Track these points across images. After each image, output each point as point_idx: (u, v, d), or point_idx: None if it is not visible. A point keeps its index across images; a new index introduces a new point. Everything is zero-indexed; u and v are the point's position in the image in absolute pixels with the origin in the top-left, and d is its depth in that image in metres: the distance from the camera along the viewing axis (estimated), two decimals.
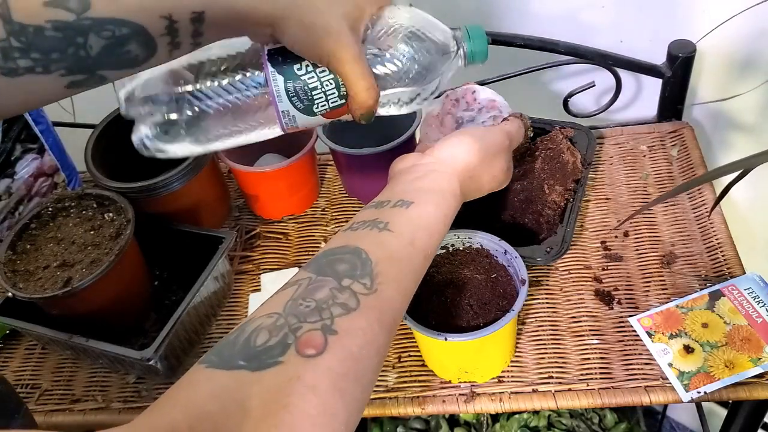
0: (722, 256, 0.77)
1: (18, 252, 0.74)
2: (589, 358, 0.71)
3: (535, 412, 1.14)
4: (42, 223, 0.76)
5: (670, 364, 0.68)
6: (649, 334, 0.70)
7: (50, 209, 0.77)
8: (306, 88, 0.51)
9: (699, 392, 0.65)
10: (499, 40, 0.86)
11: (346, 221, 0.88)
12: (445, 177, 0.57)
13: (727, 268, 0.76)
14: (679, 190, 0.51)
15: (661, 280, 0.76)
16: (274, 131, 0.54)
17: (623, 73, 0.89)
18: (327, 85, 0.52)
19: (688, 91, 0.90)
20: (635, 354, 0.70)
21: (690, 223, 0.81)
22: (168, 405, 0.36)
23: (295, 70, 0.51)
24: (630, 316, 0.73)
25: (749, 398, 0.67)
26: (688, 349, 0.68)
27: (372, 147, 0.79)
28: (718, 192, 0.64)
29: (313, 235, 0.88)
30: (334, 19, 0.48)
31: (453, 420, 1.16)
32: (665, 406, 1.24)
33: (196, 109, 0.51)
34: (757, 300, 0.71)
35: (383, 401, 0.71)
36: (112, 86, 1.04)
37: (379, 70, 0.52)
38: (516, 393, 0.69)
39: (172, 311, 0.73)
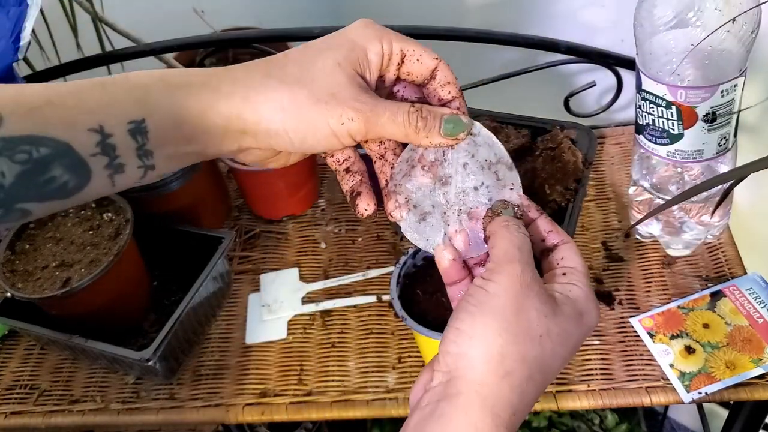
0: (723, 256, 0.77)
1: (17, 252, 0.74)
2: (590, 359, 0.71)
3: (536, 413, 1.13)
4: (41, 223, 0.76)
5: (671, 365, 0.68)
6: (650, 335, 0.70)
7: None
8: None
9: (700, 393, 0.65)
10: (499, 39, 0.86)
11: (346, 221, 0.88)
12: (459, 407, 0.38)
13: (728, 269, 0.76)
14: (685, 195, 0.51)
15: (662, 281, 0.76)
16: None
17: (624, 73, 0.88)
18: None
19: None
20: (636, 354, 0.70)
21: None
22: None
23: None
24: (631, 316, 0.73)
25: (750, 399, 0.66)
26: (689, 350, 0.68)
27: None
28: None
29: (313, 236, 0.88)
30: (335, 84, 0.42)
31: None
32: (666, 407, 1.24)
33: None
34: (758, 300, 0.70)
35: (383, 402, 0.70)
36: None
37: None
38: None
39: (171, 311, 0.72)
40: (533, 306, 0.40)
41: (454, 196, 0.47)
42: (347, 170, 0.49)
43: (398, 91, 0.48)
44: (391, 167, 0.48)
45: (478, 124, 0.47)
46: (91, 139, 0.36)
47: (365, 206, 0.47)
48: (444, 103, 0.47)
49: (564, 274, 0.44)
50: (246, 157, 0.45)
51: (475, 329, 0.39)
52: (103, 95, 0.38)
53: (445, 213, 0.48)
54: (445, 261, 0.47)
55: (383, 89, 0.47)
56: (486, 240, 0.46)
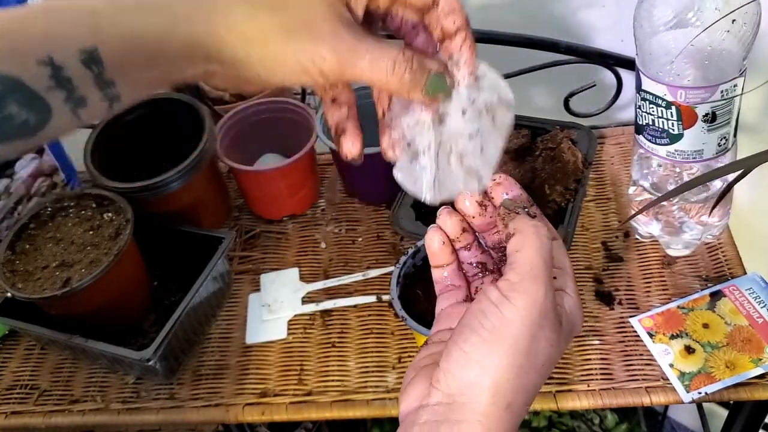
0: (723, 256, 0.77)
1: (17, 252, 0.74)
2: (589, 359, 0.71)
3: (536, 413, 1.13)
4: (41, 223, 0.76)
5: (671, 365, 0.68)
6: (650, 335, 0.70)
7: (49, 209, 0.76)
8: None
9: (700, 393, 0.65)
10: (499, 39, 0.86)
11: (346, 221, 0.88)
12: None
13: (728, 269, 0.76)
14: (680, 189, 0.51)
15: (661, 281, 0.76)
16: None
17: (624, 73, 0.88)
18: None
19: None
20: (636, 354, 0.70)
21: None
22: None
23: None
24: (631, 316, 0.73)
25: (750, 399, 0.66)
26: (689, 350, 0.68)
27: (372, 147, 0.79)
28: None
29: (313, 236, 0.88)
30: (317, 8, 0.38)
31: None
32: (666, 407, 1.24)
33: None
34: (758, 300, 0.70)
35: (383, 402, 0.70)
36: None
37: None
38: None
39: (171, 311, 0.72)
40: (545, 336, 0.38)
41: (447, 136, 0.44)
42: (334, 100, 0.44)
43: (397, 13, 0.42)
44: (389, 97, 0.44)
45: (483, 66, 0.43)
46: (42, 72, 0.33)
47: (350, 146, 0.43)
48: (446, 37, 0.42)
49: (554, 277, 0.41)
50: (215, 82, 0.41)
51: (485, 360, 0.37)
52: (50, 23, 0.35)
53: (438, 155, 0.44)
54: (435, 243, 0.44)
55: (376, 16, 0.42)
56: (507, 237, 0.41)
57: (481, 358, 0.37)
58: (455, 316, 0.44)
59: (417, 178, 0.44)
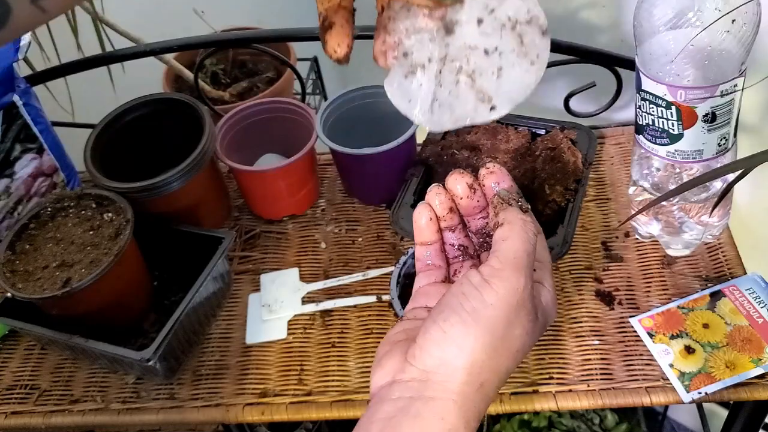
0: (723, 256, 0.77)
1: (17, 252, 0.74)
2: (589, 359, 0.71)
3: (536, 413, 1.13)
4: (41, 223, 0.76)
5: (671, 365, 0.68)
6: (650, 335, 0.70)
7: (49, 209, 0.76)
8: None
9: (700, 393, 0.65)
10: None
11: (346, 221, 0.88)
12: (435, 411, 0.38)
13: (728, 269, 0.76)
14: (679, 189, 0.51)
15: (661, 281, 0.76)
16: None
17: (624, 73, 0.88)
18: None
19: None
20: (636, 354, 0.70)
21: None
22: None
23: None
24: (631, 316, 0.73)
25: (750, 399, 0.66)
26: (689, 350, 0.68)
27: (372, 147, 0.79)
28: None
29: (313, 236, 0.88)
30: None
31: None
32: (666, 407, 1.24)
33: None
34: (758, 300, 0.70)
35: None
36: (111, 86, 1.04)
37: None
38: (516, 393, 0.69)
39: (171, 311, 0.72)
40: (521, 323, 0.39)
41: (457, 49, 0.36)
42: None
43: None
44: None
45: None
46: None
47: (335, 45, 0.37)
48: None
49: (534, 270, 0.41)
50: None
51: (463, 340, 0.38)
52: None
53: (440, 71, 0.37)
54: (423, 219, 0.44)
55: None
56: (495, 226, 0.41)
57: (458, 338, 0.38)
58: (432, 295, 0.45)
59: (412, 96, 0.38)
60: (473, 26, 0.36)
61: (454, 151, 0.82)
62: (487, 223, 0.45)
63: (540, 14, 0.36)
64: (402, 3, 0.37)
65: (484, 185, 0.44)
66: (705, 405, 1.07)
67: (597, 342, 0.72)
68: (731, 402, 0.72)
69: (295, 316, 0.79)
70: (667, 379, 0.67)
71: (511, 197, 0.42)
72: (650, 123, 0.69)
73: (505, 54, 0.36)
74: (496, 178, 0.44)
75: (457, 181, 0.44)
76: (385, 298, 0.79)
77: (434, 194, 0.45)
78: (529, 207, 0.42)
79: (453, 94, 0.37)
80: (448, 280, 0.46)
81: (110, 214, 0.75)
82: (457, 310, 0.38)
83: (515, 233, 0.40)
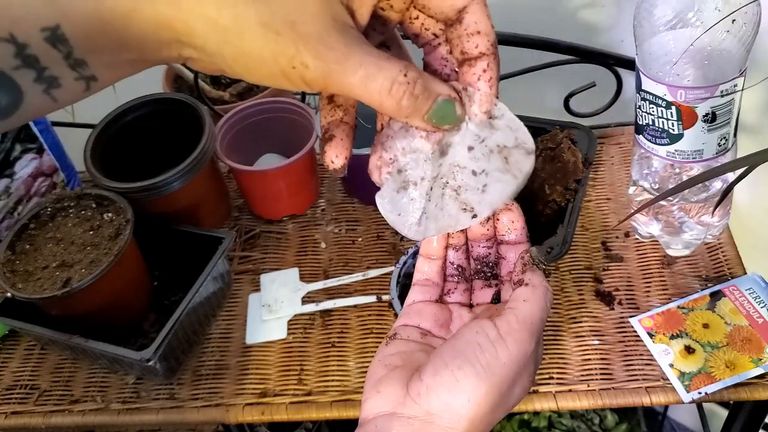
0: (723, 256, 0.77)
1: (17, 252, 0.74)
2: (589, 359, 0.71)
3: (536, 413, 1.13)
4: (41, 223, 0.76)
5: (671, 365, 0.68)
6: (650, 335, 0.70)
7: (49, 209, 0.76)
8: None
9: (700, 393, 0.65)
10: (499, 39, 0.86)
11: (346, 221, 0.88)
12: None
13: (728, 269, 0.76)
14: (679, 188, 0.51)
15: (661, 281, 0.76)
16: None
17: (624, 73, 0.88)
18: None
19: None
20: (636, 354, 0.70)
21: None
22: None
23: None
24: (631, 316, 0.73)
25: (750, 399, 0.66)
26: (689, 350, 0.68)
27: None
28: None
29: (313, 236, 0.88)
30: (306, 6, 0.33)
31: None
32: (666, 407, 1.24)
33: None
34: (758, 300, 0.70)
35: None
36: (111, 86, 1.04)
37: None
38: None
39: (171, 311, 0.72)
40: (521, 383, 0.40)
41: (447, 167, 0.39)
42: (331, 99, 0.39)
43: (416, 19, 0.37)
44: None
45: (502, 106, 0.39)
46: (5, 50, 0.31)
47: (333, 156, 0.39)
48: (466, 61, 0.37)
49: (525, 300, 0.41)
50: (194, 66, 0.37)
51: (474, 392, 0.38)
52: (8, 1, 0.32)
53: (431, 188, 0.39)
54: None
55: (389, 20, 0.37)
56: (517, 282, 0.42)
57: (470, 389, 0.38)
58: (425, 316, 0.45)
59: (402, 210, 0.41)
60: (464, 150, 0.39)
61: None
62: (489, 253, 0.46)
63: (528, 140, 0.39)
64: (401, 124, 0.39)
65: (498, 219, 0.44)
66: (705, 405, 1.07)
67: (597, 342, 0.72)
68: (731, 402, 0.72)
69: (295, 316, 0.79)
70: (667, 379, 0.67)
71: (539, 260, 0.43)
72: (650, 123, 0.69)
73: (491, 174, 0.39)
74: (511, 217, 0.43)
75: None
76: (385, 298, 0.79)
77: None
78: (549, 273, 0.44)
79: (439, 206, 0.40)
80: (440, 300, 0.47)
81: (110, 214, 0.75)
82: (472, 361, 0.38)
83: (537, 298, 0.41)
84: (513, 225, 0.43)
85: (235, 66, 0.34)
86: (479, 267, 0.46)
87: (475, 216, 0.40)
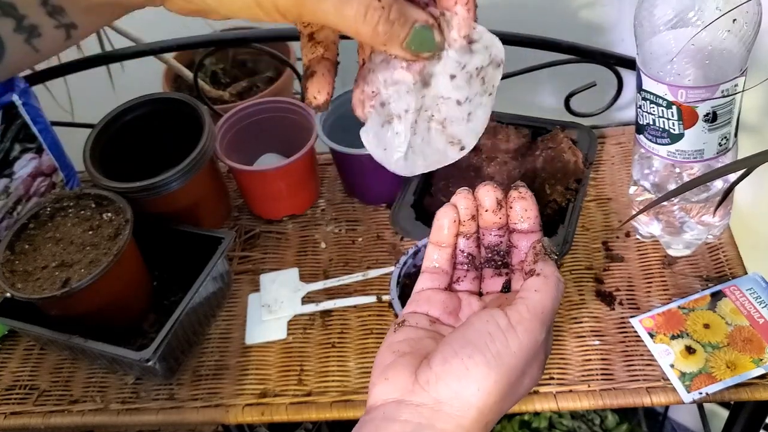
0: (724, 256, 0.77)
1: (16, 252, 0.74)
2: (590, 359, 0.70)
3: (536, 413, 1.13)
4: (40, 223, 0.76)
5: (672, 365, 0.67)
6: (651, 335, 0.70)
7: (48, 209, 0.76)
8: None
9: (701, 393, 0.65)
10: (499, 39, 0.86)
11: (346, 221, 0.88)
12: None
13: (729, 269, 0.75)
14: (680, 189, 0.51)
15: (662, 281, 0.76)
16: None
17: (625, 73, 0.88)
18: None
19: None
20: (636, 355, 0.70)
21: None
22: None
23: None
24: (631, 316, 0.73)
25: (751, 399, 0.66)
26: (689, 350, 0.68)
27: None
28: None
29: (313, 236, 0.87)
30: None
31: None
32: (666, 407, 1.24)
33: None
34: (759, 300, 0.70)
35: None
36: (111, 86, 1.04)
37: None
38: None
39: (171, 312, 0.72)
40: (531, 373, 0.41)
41: (431, 99, 0.39)
42: (311, 36, 0.39)
43: None
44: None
45: (480, 28, 0.38)
46: None
47: (315, 92, 0.38)
48: None
49: (536, 290, 0.42)
50: (171, 7, 0.37)
51: (483, 381, 0.38)
52: None
53: (416, 121, 0.39)
54: (447, 219, 0.44)
55: None
56: (529, 272, 0.42)
57: (480, 378, 0.38)
58: (435, 303, 0.45)
59: (388, 145, 0.40)
60: (446, 80, 0.38)
61: None
62: (501, 241, 0.45)
63: (499, 53, 0.38)
64: (382, 56, 0.38)
65: (511, 207, 0.44)
66: (706, 405, 1.07)
67: (597, 342, 0.72)
68: (732, 402, 0.72)
69: (295, 316, 0.79)
70: (668, 380, 0.67)
71: (551, 250, 0.43)
72: (651, 123, 0.69)
73: (473, 99, 0.39)
74: (525, 205, 0.44)
75: (488, 194, 0.44)
76: (385, 298, 0.79)
77: (462, 198, 0.45)
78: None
79: (425, 140, 0.40)
80: (449, 288, 0.46)
81: (109, 214, 0.75)
82: (482, 349, 0.38)
83: (549, 288, 0.41)
84: (526, 213, 0.44)
85: None
86: (490, 255, 0.46)
87: (462, 148, 0.40)
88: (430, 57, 0.37)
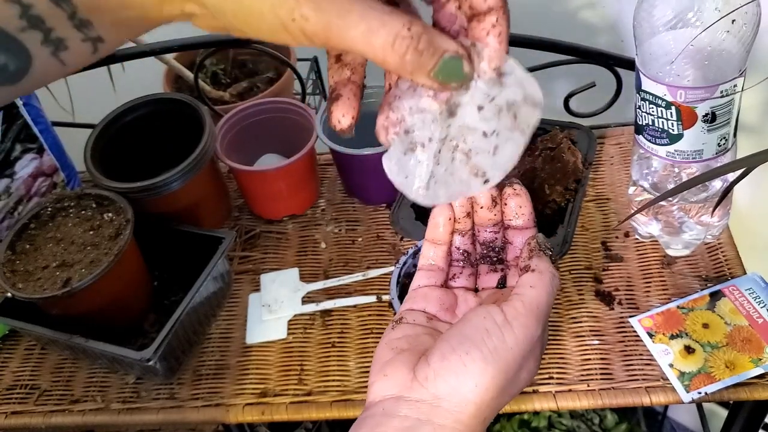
0: (723, 256, 0.77)
1: (17, 252, 0.74)
2: (589, 359, 0.71)
3: (536, 413, 1.14)
4: (41, 223, 0.76)
5: (671, 365, 0.68)
6: (650, 335, 0.70)
7: (49, 209, 0.76)
8: None
9: (700, 393, 0.65)
10: None
11: (346, 221, 0.88)
12: None
13: (728, 269, 0.76)
14: (679, 189, 0.51)
15: (661, 281, 0.76)
16: None
17: (624, 73, 0.88)
18: None
19: None
20: (636, 354, 0.70)
21: None
22: None
23: None
24: (630, 316, 0.73)
25: (750, 399, 0.66)
26: (688, 350, 0.68)
27: (372, 147, 0.79)
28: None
29: (313, 236, 0.88)
30: None
31: None
32: (666, 407, 1.24)
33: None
34: (758, 300, 0.70)
35: None
36: (111, 86, 1.04)
37: None
38: None
39: (171, 311, 0.72)
40: (528, 367, 0.41)
41: (456, 129, 0.38)
42: (338, 58, 0.38)
43: None
44: None
45: (512, 62, 0.37)
46: (11, 11, 0.31)
47: (340, 116, 0.38)
48: (475, 16, 0.37)
49: (531, 286, 0.42)
50: (197, 24, 0.36)
51: (481, 377, 0.38)
52: None
53: (440, 150, 0.38)
54: (442, 217, 0.44)
55: None
56: (524, 268, 0.43)
57: (477, 374, 0.38)
58: (431, 300, 0.45)
59: (409, 173, 0.39)
60: (474, 111, 0.37)
61: None
62: (496, 238, 0.46)
63: (536, 92, 0.37)
64: (409, 83, 0.38)
65: (506, 204, 0.44)
66: (705, 405, 1.07)
67: (597, 342, 0.72)
68: (731, 402, 0.72)
69: (295, 316, 0.79)
70: (667, 379, 0.67)
71: (546, 246, 0.44)
72: (650, 123, 0.69)
73: (500, 134, 0.38)
74: (519, 202, 0.44)
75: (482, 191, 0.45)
76: (385, 298, 0.79)
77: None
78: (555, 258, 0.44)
79: (449, 170, 0.39)
80: (445, 284, 0.47)
81: (110, 214, 0.75)
82: (479, 345, 0.39)
83: (544, 284, 0.41)
84: (521, 210, 0.44)
85: (235, 21, 0.33)
86: (485, 252, 0.46)
87: (487, 181, 0.39)
88: (458, 87, 0.37)
